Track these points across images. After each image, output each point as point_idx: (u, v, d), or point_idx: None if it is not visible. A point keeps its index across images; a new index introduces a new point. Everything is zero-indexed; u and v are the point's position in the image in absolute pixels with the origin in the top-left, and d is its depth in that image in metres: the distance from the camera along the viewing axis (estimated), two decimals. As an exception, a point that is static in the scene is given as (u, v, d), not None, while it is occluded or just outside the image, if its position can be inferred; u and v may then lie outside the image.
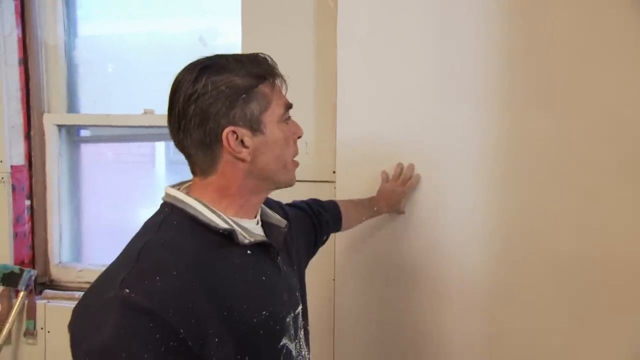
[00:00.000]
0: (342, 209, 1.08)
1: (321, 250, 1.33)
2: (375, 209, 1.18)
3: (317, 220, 0.98)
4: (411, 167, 1.22)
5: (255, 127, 0.68)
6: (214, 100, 0.66)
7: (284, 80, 0.73)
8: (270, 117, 0.70)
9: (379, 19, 1.24)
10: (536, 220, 1.16)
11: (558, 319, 1.16)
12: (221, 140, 0.67)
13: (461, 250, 1.22)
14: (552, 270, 1.16)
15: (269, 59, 0.71)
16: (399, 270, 1.27)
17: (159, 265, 0.62)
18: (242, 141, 0.67)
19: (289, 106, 0.73)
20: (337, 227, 1.07)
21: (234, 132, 0.67)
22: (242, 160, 0.68)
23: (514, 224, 1.18)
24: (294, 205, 0.97)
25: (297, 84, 1.35)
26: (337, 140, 1.29)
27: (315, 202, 1.04)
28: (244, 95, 0.67)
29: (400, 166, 1.22)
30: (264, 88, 0.69)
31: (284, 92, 0.73)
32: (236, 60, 0.68)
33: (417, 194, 1.24)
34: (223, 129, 0.66)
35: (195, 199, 0.69)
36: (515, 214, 1.18)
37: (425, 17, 1.20)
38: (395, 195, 1.20)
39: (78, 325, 0.61)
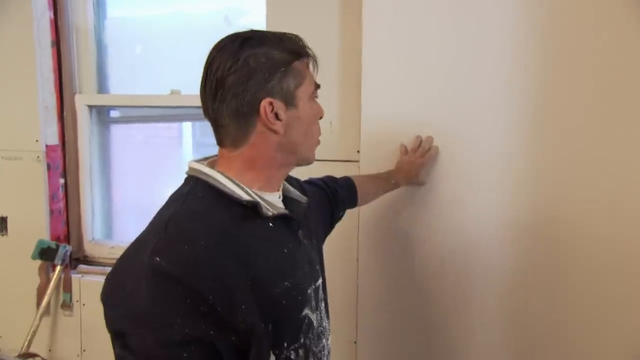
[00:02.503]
0: (357, 184, 1.09)
1: (345, 231, 1.34)
2: (392, 182, 1.18)
3: (333, 197, 0.99)
4: (429, 139, 1.22)
5: (289, 101, 0.70)
6: (254, 72, 0.67)
7: (316, 62, 0.75)
8: (303, 93, 0.72)
9: (405, -5, 1.22)
10: (567, 204, 1.14)
11: (587, 309, 1.14)
12: (258, 111, 0.68)
13: (487, 231, 1.20)
14: (584, 257, 1.13)
15: (302, 39, 0.73)
16: (423, 250, 1.26)
17: (187, 234, 0.63)
18: (276, 113, 0.69)
19: (317, 86, 0.75)
20: (352, 203, 1.08)
21: (270, 103, 0.68)
22: (275, 132, 0.70)
23: (544, 208, 1.15)
24: (310, 182, 0.99)
25: (322, 63, 1.34)
26: (361, 119, 1.29)
27: (330, 179, 1.05)
28: (283, 69, 0.69)
29: (419, 138, 1.22)
30: (299, 65, 0.71)
31: (314, 73, 0.75)
32: (274, 35, 0.71)
33: (442, 174, 1.23)
34: (261, 100, 0.68)
35: (219, 172, 0.70)
36: (545, 198, 1.15)
37: (454, -7, 1.18)
38: (414, 167, 1.20)
39: (111, 294, 0.64)
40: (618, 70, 1.07)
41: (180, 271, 0.60)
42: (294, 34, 0.73)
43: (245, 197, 0.69)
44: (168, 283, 0.59)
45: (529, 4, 1.12)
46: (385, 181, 1.18)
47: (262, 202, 0.70)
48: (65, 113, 1.72)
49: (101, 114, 1.78)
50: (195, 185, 0.70)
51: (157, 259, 0.60)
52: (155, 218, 0.69)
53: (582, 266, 1.14)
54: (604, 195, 1.11)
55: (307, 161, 0.77)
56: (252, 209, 0.69)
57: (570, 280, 1.15)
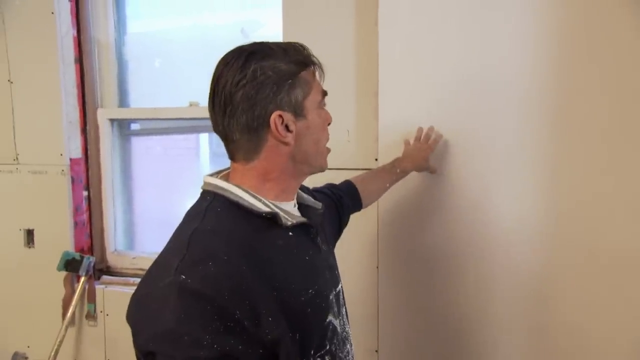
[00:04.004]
0: (358, 186, 1.09)
1: (365, 239, 1.33)
2: (398, 170, 1.17)
3: (339, 204, 1.00)
4: (432, 128, 1.21)
5: (298, 112, 0.70)
6: (262, 86, 0.67)
7: (322, 69, 0.75)
8: (311, 103, 0.72)
9: (421, 2, 1.21)
10: (585, 206, 1.12)
11: (605, 314, 1.11)
12: (268, 125, 0.68)
13: (506, 238, 1.19)
14: (601, 260, 1.11)
15: (306, 48, 0.73)
16: (443, 257, 1.25)
17: (210, 251, 0.64)
18: (286, 125, 0.69)
19: (324, 93, 0.75)
20: (357, 206, 1.08)
21: (280, 116, 0.68)
22: (286, 144, 0.70)
23: (562, 212, 1.14)
24: (316, 190, 0.99)
25: (339, 72, 1.35)
26: (379, 127, 1.29)
27: (333, 186, 1.05)
28: (290, 81, 0.69)
29: (421, 130, 1.22)
30: (306, 75, 0.71)
31: (320, 80, 0.75)
32: (278, 47, 0.70)
33: (460, 179, 1.22)
34: (271, 114, 0.68)
35: (236, 185, 0.71)
36: (563, 201, 1.13)
37: (469, 0, 1.17)
38: (421, 152, 1.19)
39: (138, 314, 0.64)
40: (635, 71, 1.05)
41: (206, 288, 0.60)
42: (298, 44, 0.72)
43: (264, 208, 0.70)
44: (195, 301, 0.60)
45: (547, 7, 1.11)
46: (389, 172, 1.17)
47: (280, 213, 0.71)
48: (88, 127, 1.76)
49: (122, 127, 1.82)
50: (213, 200, 0.70)
51: (183, 277, 0.61)
52: (175, 235, 0.70)
53: (605, 269, 1.11)
54: (624, 198, 1.08)
55: (320, 169, 0.77)
56: (272, 219, 0.70)
57: (593, 284, 1.12)
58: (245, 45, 0.71)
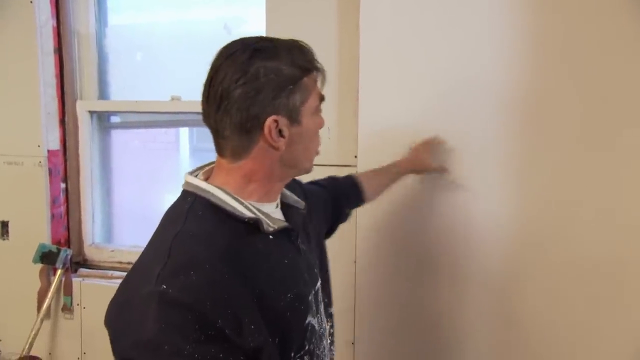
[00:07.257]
0: (362, 178, 1.10)
1: (342, 232, 1.36)
2: (394, 170, 1.18)
3: (335, 194, 1.01)
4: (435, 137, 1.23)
5: (294, 117, 0.68)
6: (263, 87, 0.65)
7: (324, 75, 0.73)
8: (308, 109, 0.70)
9: (402, 3, 1.25)
10: (557, 208, 1.17)
11: (572, 310, 1.17)
12: (262, 128, 0.66)
13: (480, 236, 1.23)
14: (568, 260, 1.16)
15: (310, 49, 0.71)
16: (420, 253, 1.29)
17: (192, 258, 0.62)
18: (280, 130, 0.67)
19: (322, 98, 0.74)
20: (359, 197, 1.09)
21: (275, 121, 0.67)
22: (277, 149, 0.68)
23: (534, 212, 1.19)
24: (315, 182, 1.01)
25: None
26: (359, 124, 1.31)
27: (332, 178, 1.07)
28: (291, 86, 0.67)
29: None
30: (307, 80, 0.69)
31: (321, 85, 0.74)
32: (283, 46, 0.68)
33: (438, 177, 1.25)
34: (266, 117, 0.66)
35: (219, 187, 0.69)
36: (535, 201, 1.18)
37: (449, 2, 1.21)
38: (418, 153, 1.20)
39: (118, 321, 0.63)
40: (611, 74, 1.10)
41: (189, 298, 0.59)
42: (302, 43, 0.70)
43: (247, 213, 0.68)
44: (176, 311, 0.59)
45: (526, 11, 1.15)
46: (387, 171, 1.18)
47: (263, 218, 0.69)
48: (66, 119, 1.74)
49: (102, 119, 1.81)
50: (194, 202, 0.68)
51: (164, 286, 0.59)
52: (156, 238, 0.68)
53: (571, 269, 1.16)
54: (591, 201, 1.14)
55: (305, 172, 0.77)
56: (253, 225, 0.68)
57: (564, 282, 1.18)
58: (251, 38, 0.68)
